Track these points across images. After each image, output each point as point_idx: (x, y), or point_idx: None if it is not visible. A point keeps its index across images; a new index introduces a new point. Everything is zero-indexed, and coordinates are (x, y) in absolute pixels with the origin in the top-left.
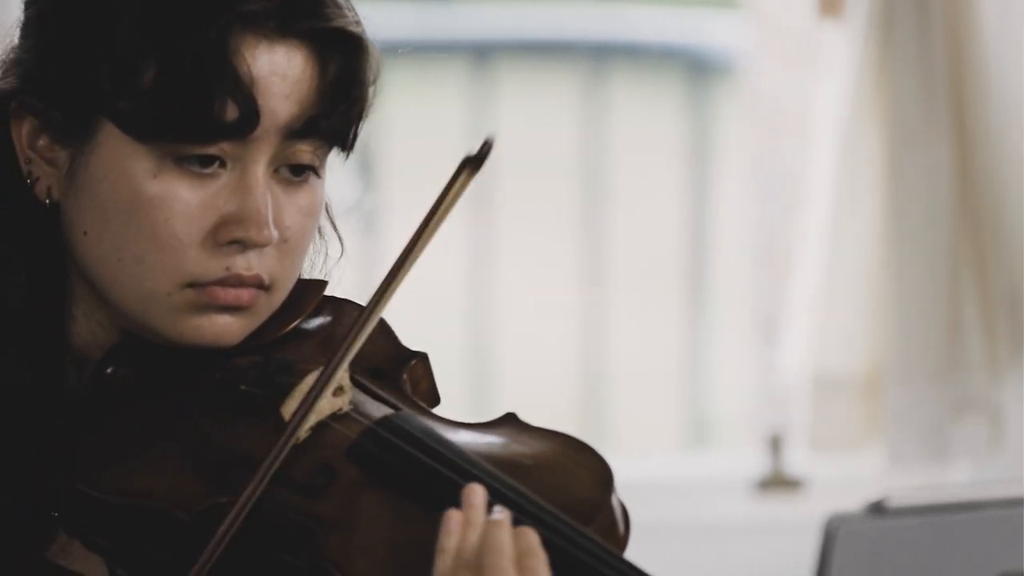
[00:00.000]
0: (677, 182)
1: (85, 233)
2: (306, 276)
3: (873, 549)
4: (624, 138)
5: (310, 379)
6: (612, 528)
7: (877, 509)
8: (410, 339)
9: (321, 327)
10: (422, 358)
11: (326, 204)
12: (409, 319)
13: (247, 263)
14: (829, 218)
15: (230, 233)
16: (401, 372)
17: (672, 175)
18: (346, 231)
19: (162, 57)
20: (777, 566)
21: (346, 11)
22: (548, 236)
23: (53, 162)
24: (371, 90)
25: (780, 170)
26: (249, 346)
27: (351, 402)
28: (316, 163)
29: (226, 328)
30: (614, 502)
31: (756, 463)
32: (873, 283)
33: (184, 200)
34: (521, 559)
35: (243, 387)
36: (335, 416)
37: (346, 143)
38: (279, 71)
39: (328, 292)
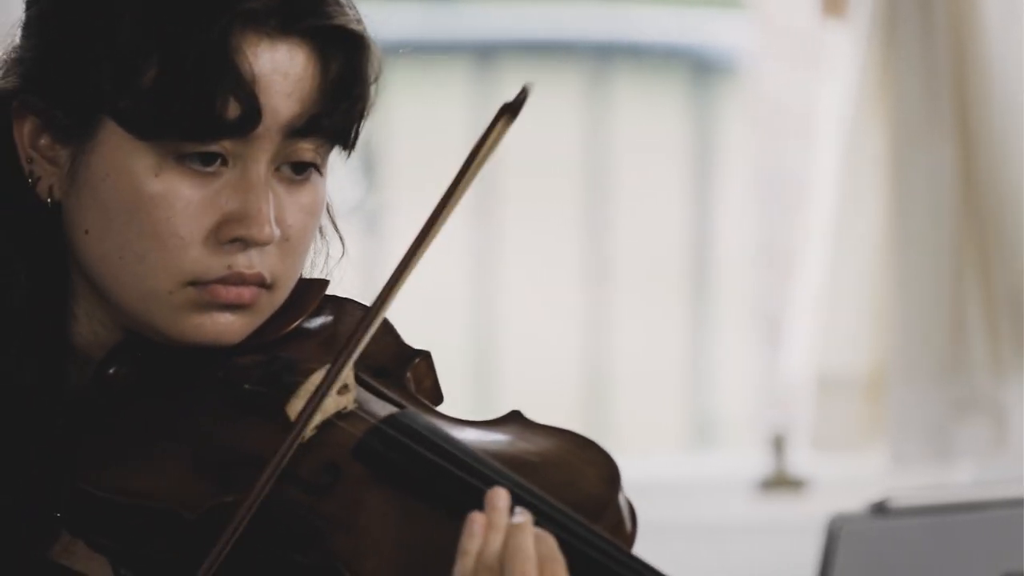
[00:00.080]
0: (680, 182)
1: (87, 232)
2: (307, 276)
3: (876, 549)
4: (627, 138)
5: (315, 378)
6: (619, 525)
7: (880, 509)
8: (414, 338)
9: (323, 326)
10: (425, 356)
11: (327, 204)
12: (413, 319)
13: (249, 261)
14: (832, 218)
15: (232, 231)
16: (405, 370)
17: (675, 175)
18: (349, 231)
19: (164, 56)
20: (780, 566)
21: (347, 9)
22: (552, 236)
23: (55, 161)
24: (373, 88)
25: (783, 170)
26: (251, 345)
27: (356, 400)
28: (318, 161)
29: (228, 327)
30: (621, 499)
31: (759, 463)
32: (876, 283)
33: (186, 198)
34: (543, 564)
35: (247, 386)
36: (340, 414)
37: (348, 141)
38: (281, 69)
39: (330, 292)
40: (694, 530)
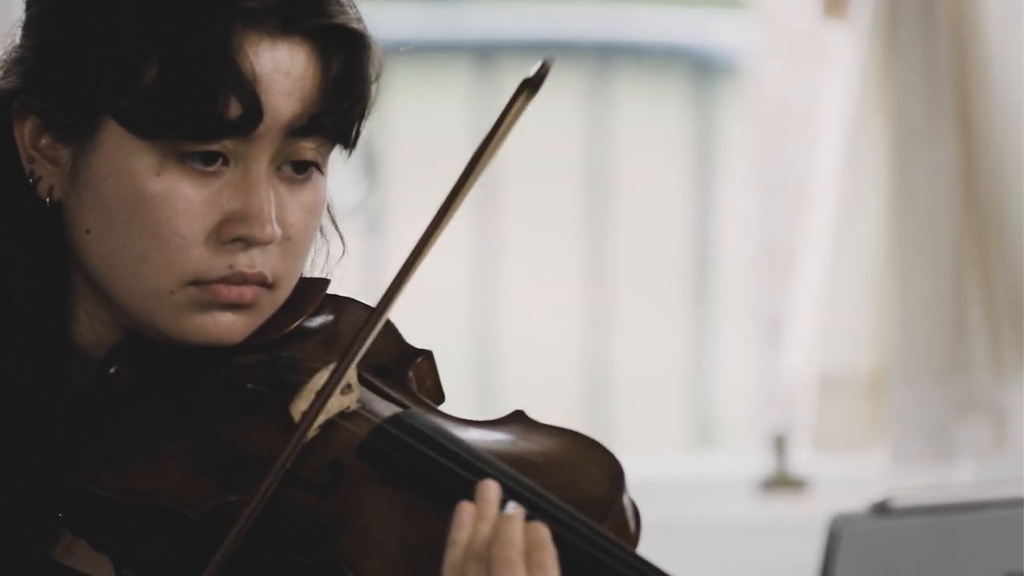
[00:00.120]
0: (682, 182)
1: (88, 232)
2: (308, 275)
3: (877, 549)
4: (629, 138)
5: (318, 377)
6: (624, 525)
7: (881, 509)
8: (416, 338)
9: (324, 325)
10: (427, 356)
11: (328, 202)
12: (414, 318)
13: (250, 261)
14: (834, 218)
15: (233, 231)
16: (407, 370)
17: (677, 175)
18: (349, 231)
19: (164, 55)
20: (781, 566)
21: (348, 8)
22: (553, 236)
23: (55, 161)
24: (374, 87)
25: (785, 170)
26: (253, 344)
27: (359, 400)
28: (319, 160)
29: (229, 326)
30: (625, 500)
31: (760, 463)
32: (877, 283)
33: (187, 198)
34: (530, 552)
35: (250, 385)
36: (343, 414)
37: (349, 140)
38: (282, 68)
39: (331, 291)
40: (695, 530)
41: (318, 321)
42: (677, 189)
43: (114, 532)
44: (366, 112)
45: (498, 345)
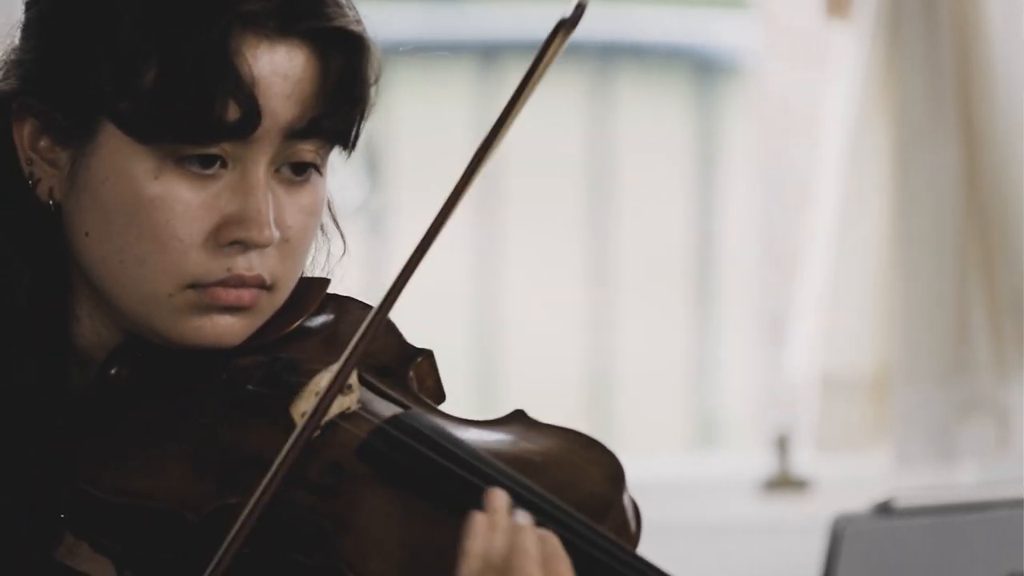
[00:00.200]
0: (684, 182)
1: (87, 234)
2: (308, 274)
3: (880, 550)
4: (631, 138)
5: (318, 378)
6: (624, 525)
7: (884, 509)
8: (417, 338)
9: (324, 325)
10: (427, 355)
11: (328, 201)
12: (416, 318)
13: (248, 263)
14: (836, 218)
15: (231, 234)
16: (407, 369)
17: (679, 175)
18: (352, 231)
19: (163, 58)
20: (783, 566)
21: (347, 10)
22: (555, 236)
23: (54, 163)
24: (373, 89)
25: (787, 170)
26: (253, 345)
27: (359, 400)
28: (318, 162)
29: (228, 328)
30: (626, 499)
31: (763, 463)
32: (880, 283)
33: (185, 201)
34: (547, 562)
35: (250, 387)
36: (344, 415)
37: (348, 142)
38: (280, 71)
39: (332, 290)
40: (698, 530)
41: (318, 321)
42: (679, 189)
43: (114, 533)
44: (365, 114)
45: (500, 345)
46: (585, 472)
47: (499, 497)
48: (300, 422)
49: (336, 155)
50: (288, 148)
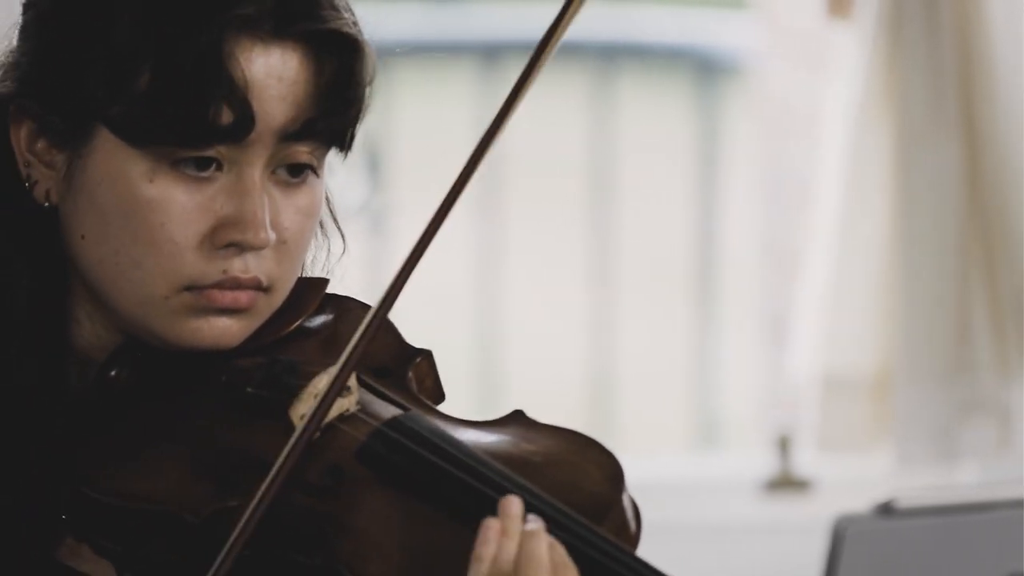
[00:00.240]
0: (685, 182)
1: (83, 237)
2: (308, 272)
3: (881, 550)
4: (632, 138)
5: (317, 380)
6: (624, 526)
7: (885, 510)
8: (418, 338)
9: (324, 325)
10: (426, 355)
11: (327, 199)
12: (417, 319)
13: (244, 266)
14: (838, 218)
15: (227, 236)
16: (406, 370)
17: (680, 175)
18: (353, 231)
19: (157, 62)
20: (785, 567)
21: (342, 12)
22: (556, 236)
23: (51, 165)
24: (368, 90)
25: (788, 170)
26: (252, 346)
27: (358, 402)
28: (314, 163)
29: (225, 330)
30: (625, 499)
31: (764, 463)
32: (882, 284)
33: (180, 204)
34: (556, 570)
35: (249, 389)
36: (343, 417)
37: (344, 143)
38: (274, 74)
39: (332, 290)
40: (699, 531)
41: (318, 321)
42: (681, 189)
43: (113, 535)
44: (360, 115)
45: (502, 345)
46: (584, 473)
47: (514, 504)
48: (299, 425)
49: (336, 156)
50: (283, 150)
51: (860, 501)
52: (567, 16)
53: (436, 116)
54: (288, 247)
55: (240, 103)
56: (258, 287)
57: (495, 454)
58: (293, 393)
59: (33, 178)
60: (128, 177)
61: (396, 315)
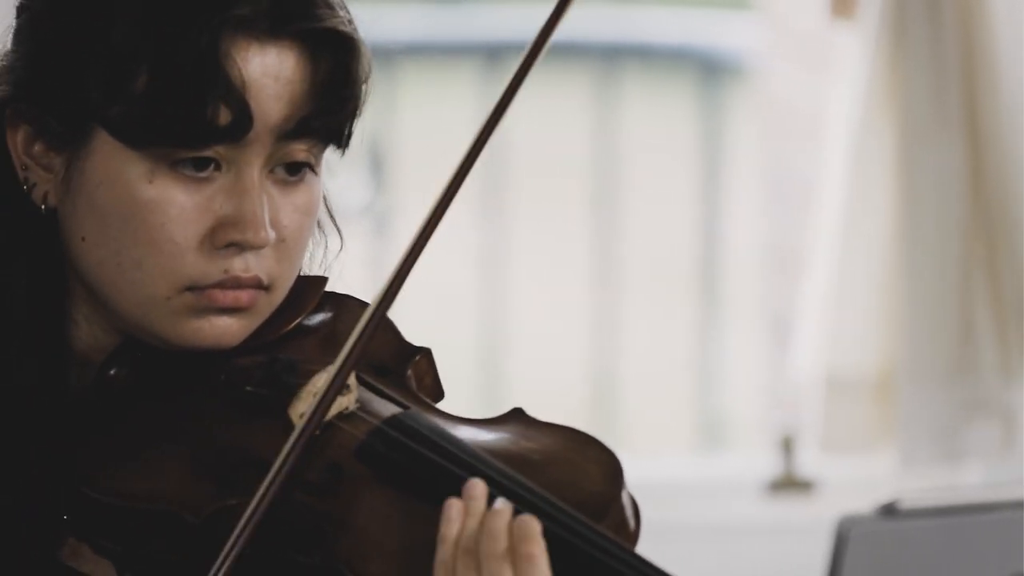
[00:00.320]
0: (688, 183)
1: (83, 239)
2: (306, 270)
3: (885, 551)
4: (636, 139)
5: (316, 379)
6: (623, 523)
7: (889, 511)
8: (422, 339)
9: (323, 323)
10: (426, 353)
11: (325, 198)
12: (421, 319)
13: (245, 265)
14: (841, 219)
15: (227, 236)
16: (406, 368)
17: (684, 176)
18: (358, 232)
19: (153, 63)
20: (788, 567)
21: (337, 10)
22: (560, 237)
23: (49, 168)
24: (364, 88)
25: (792, 171)
26: (251, 345)
27: (357, 400)
28: (311, 161)
29: (226, 330)
30: (624, 497)
31: (768, 464)
32: (885, 284)
33: (179, 204)
34: (517, 545)
35: (249, 388)
36: (342, 415)
37: (341, 141)
38: (271, 73)
39: (332, 288)
40: (702, 531)
41: (317, 319)
42: (684, 189)
43: (114, 535)
44: (357, 112)
45: (505, 345)
46: (584, 471)
47: (477, 486)
48: (298, 423)
49: (334, 154)
50: (281, 149)
51: (863, 502)
52: (559, 15)
53: (439, 117)
54: (287, 245)
55: (237, 103)
56: (258, 286)
57: (494, 452)
58: (292, 392)
59: (31, 181)
60: (127, 178)
61: (399, 315)
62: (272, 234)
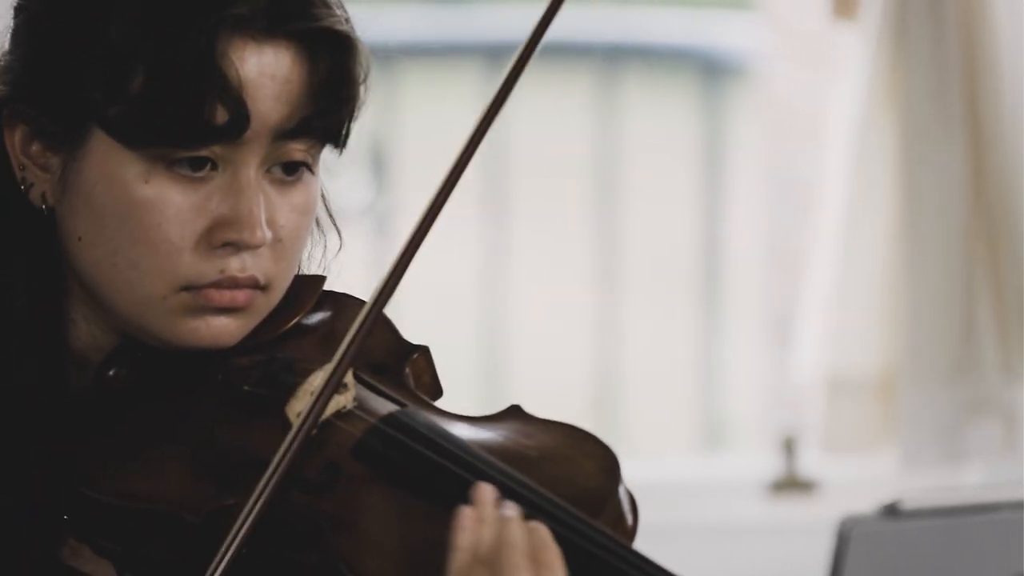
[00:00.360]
0: (690, 183)
1: (80, 239)
2: (305, 270)
3: (887, 551)
4: (637, 140)
5: (314, 378)
6: (620, 519)
7: (891, 511)
8: (423, 339)
9: (322, 323)
10: (424, 351)
11: (323, 197)
12: (422, 319)
13: (241, 264)
14: (842, 219)
15: (223, 235)
16: (403, 366)
17: (685, 176)
18: (359, 233)
19: (150, 63)
20: (790, 568)
21: (335, 10)
22: (561, 237)
23: (46, 168)
24: (362, 87)
25: (793, 171)
26: (249, 345)
27: (355, 399)
28: (309, 161)
29: (223, 329)
30: (621, 492)
31: (769, 465)
32: (886, 284)
33: (176, 204)
34: (535, 553)
35: (246, 387)
36: (339, 414)
37: (338, 141)
38: (268, 72)
39: (332, 288)
40: (704, 532)
41: (315, 319)
42: (685, 190)
43: (114, 535)
44: (354, 112)
45: (506, 346)
46: (580, 466)
47: (486, 490)
48: (296, 422)
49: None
50: (278, 148)
51: (865, 502)
52: (551, 14)
53: (441, 117)
54: (284, 245)
55: (234, 102)
56: (255, 286)
57: (491, 449)
58: (290, 391)
59: (29, 181)
60: (123, 178)
61: (401, 315)
62: (268, 234)
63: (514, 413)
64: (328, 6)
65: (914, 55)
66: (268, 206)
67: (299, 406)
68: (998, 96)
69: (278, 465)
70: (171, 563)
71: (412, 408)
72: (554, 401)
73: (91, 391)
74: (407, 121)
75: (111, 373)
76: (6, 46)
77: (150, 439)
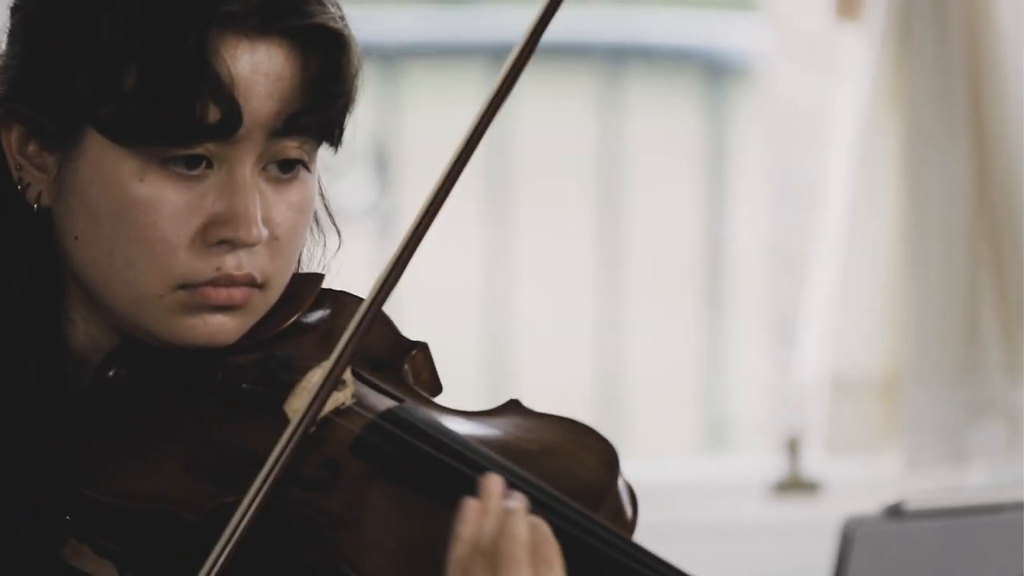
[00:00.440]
0: (694, 184)
1: (76, 238)
2: (305, 268)
3: (890, 552)
4: (640, 140)
5: (312, 375)
6: (620, 512)
7: (894, 512)
8: (427, 339)
9: (321, 320)
10: (422, 348)
11: (322, 194)
12: (425, 319)
13: (237, 262)
14: (846, 220)
15: (218, 233)
16: (402, 362)
17: (689, 177)
18: (363, 232)
19: (143, 61)
20: (794, 569)
21: (327, 6)
22: (564, 237)
23: (43, 168)
24: (355, 84)
25: (797, 172)
26: (248, 343)
27: (353, 395)
28: (304, 158)
29: (220, 327)
30: (620, 485)
31: (773, 465)
32: (890, 285)
33: (171, 202)
34: (536, 548)
35: (245, 385)
36: (338, 411)
37: (333, 138)
38: (260, 70)
39: (332, 286)
40: (708, 532)
41: (314, 317)
42: (689, 191)
43: (114, 535)
44: (348, 109)
45: (510, 347)
46: (579, 460)
47: (494, 482)
48: (294, 420)
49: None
50: (273, 146)
51: (869, 503)
52: (548, 14)
53: (444, 117)
54: (281, 243)
55: (227, 100)
56: (252, 284)
57: (491, 444)
58: (288, 388)
59: (25, 181)
60: (118, 177)
61: (404, 315)
62: (264, 231)
63: (513, 408)
64: (321, 3)
65: (918, 56)
66: (264, 204)
67: (297, 403)
68: (1002, 97)
69: (275, 463)
70: (172, 562)
71: (411, 404)
72: (557, 401)
73: (91, 391)
74: (410, 121)
75: (111, 373)
76: (2, 47)
77: (150, 439)
